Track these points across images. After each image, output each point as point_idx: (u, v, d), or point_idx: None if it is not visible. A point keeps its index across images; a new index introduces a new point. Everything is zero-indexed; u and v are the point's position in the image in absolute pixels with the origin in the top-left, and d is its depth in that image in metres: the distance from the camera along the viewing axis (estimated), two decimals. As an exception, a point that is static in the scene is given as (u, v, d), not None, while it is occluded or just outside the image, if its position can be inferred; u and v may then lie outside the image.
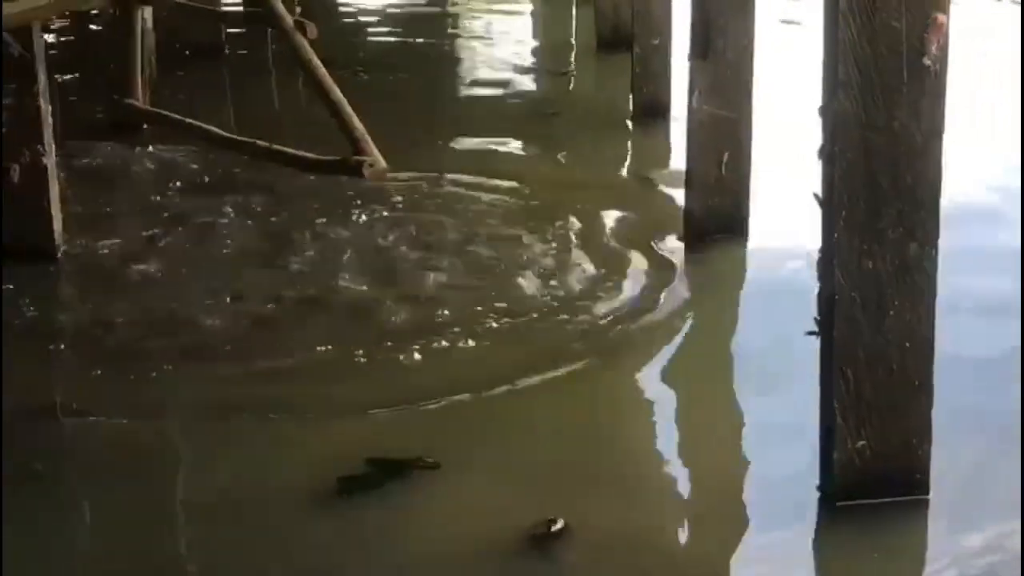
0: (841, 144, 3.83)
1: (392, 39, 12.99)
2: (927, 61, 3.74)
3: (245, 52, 11.00)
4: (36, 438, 4.84)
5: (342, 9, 14.14)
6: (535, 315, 5.85)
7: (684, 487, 4.61)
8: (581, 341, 5.61)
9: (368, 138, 5.65)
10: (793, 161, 6.74)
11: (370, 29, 13.29)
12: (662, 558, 4.04)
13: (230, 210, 7.11)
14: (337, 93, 5.78)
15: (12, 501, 4.11)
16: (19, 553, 3.89)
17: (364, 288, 6.05)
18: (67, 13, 9.74)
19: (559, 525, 4.02)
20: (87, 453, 4.87)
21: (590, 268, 6.37)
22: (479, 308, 5.79)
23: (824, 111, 3.90)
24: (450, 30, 13.23)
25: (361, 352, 5.35)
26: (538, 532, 4.00)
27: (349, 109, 5.74)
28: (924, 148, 3.82)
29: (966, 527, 4.09)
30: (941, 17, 3.74)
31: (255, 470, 4.57)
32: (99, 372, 5.33)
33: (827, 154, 3.91)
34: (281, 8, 6.15)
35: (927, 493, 4.09)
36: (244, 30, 11.05)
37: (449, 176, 7.79)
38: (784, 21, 11.16)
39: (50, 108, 6.33)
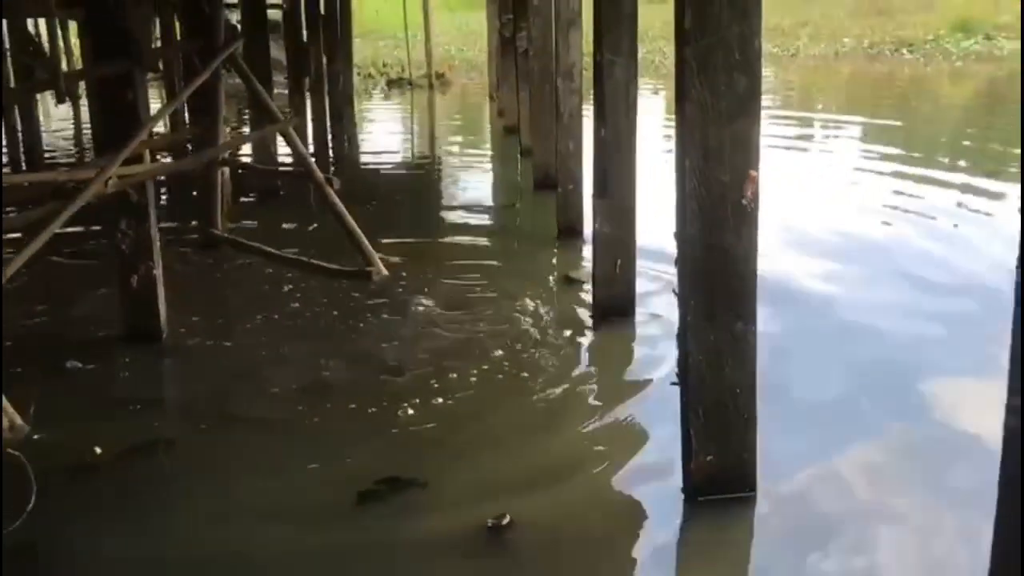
0: (689, 257, 3.94)
1: (396, 174, 13.09)
2: (744, 202, 3.87)
3: (293, 196, 11.08)
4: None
5: (363, 163, 14.27)
6: (495, 354, 5.93)
7: (593, 483, 4.58)
8: (530, 372, 5.71)
9: (374, 253, 5.72)
10: (662, 268, 6.92)
11: (381, 174, 13.43)
12: (577, 538, 4.07)
13: (286, 301, 7.19)
14: (351, 223, 5.87)
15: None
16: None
17: (385, 352, 6.10)
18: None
19: (507, 519, 4.06)
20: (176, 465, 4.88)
21: (534, 331, 6.44)
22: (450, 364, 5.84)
23: (678, 235, 3.99)
24: (434, 176, 13.35)
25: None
26: (492, 524, 4.04)
27: (360, 234, 5.82)
28: (744, 258, 3.92)
29: (777, 511, 4.16)
30: (753, 172, 3.85)
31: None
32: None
33: (681, 263, 4.02)
34: (315, 169, 6.26)
35: (754, 490, 4.17)
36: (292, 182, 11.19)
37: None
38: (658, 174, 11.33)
39: (158, 235, 6.38)
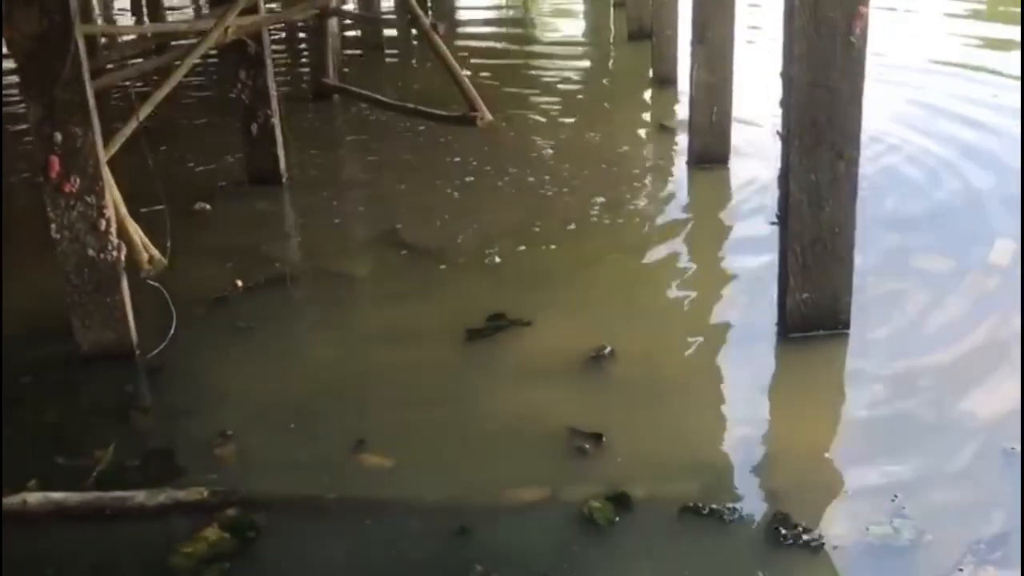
0: (795, 97, 3.73)
1: (492, 26, 12.76)
2: (853, 39, 3.63)
3: (397, 46, 10.89)
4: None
5: (459, 16, 13.92)
6: (595, 199, 5.81)
7: (689, 320, 4.52)
8: (626, 218, 5.59)
9: (479, 99, 5.58)
10: (759, 114, 6.62)
11: (480, 19, 13.09)
12: (674, 365, 4.04)
13: (397, 145, 7.13)
14: (456, 68, 5.72)
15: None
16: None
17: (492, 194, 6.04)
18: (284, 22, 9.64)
19: (608, 349, 4.04)
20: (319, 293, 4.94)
21: (631, 177, 6.28)
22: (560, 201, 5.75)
23: (784, 75, 3.79)
24: (528, 28, 12.94)
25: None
26: (594, 354, 4.03)
27: (465, 79, 5.67)
28: (850, 98, 3.71)
29: (868, 349, 4.03)
30: (863, 8, 3.61)
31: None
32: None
33: (785, 104, 3.82)
34: (422, 15, 6.07)
35: (848, 328, 4.05)
36: (396, 32, 10.98)
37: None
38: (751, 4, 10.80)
39: (274, 85, 6.32)
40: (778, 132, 3.89)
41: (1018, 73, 7.90)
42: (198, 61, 5.29)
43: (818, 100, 3.68)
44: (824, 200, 3.83)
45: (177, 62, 4.93)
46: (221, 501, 3.22)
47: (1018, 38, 9.03)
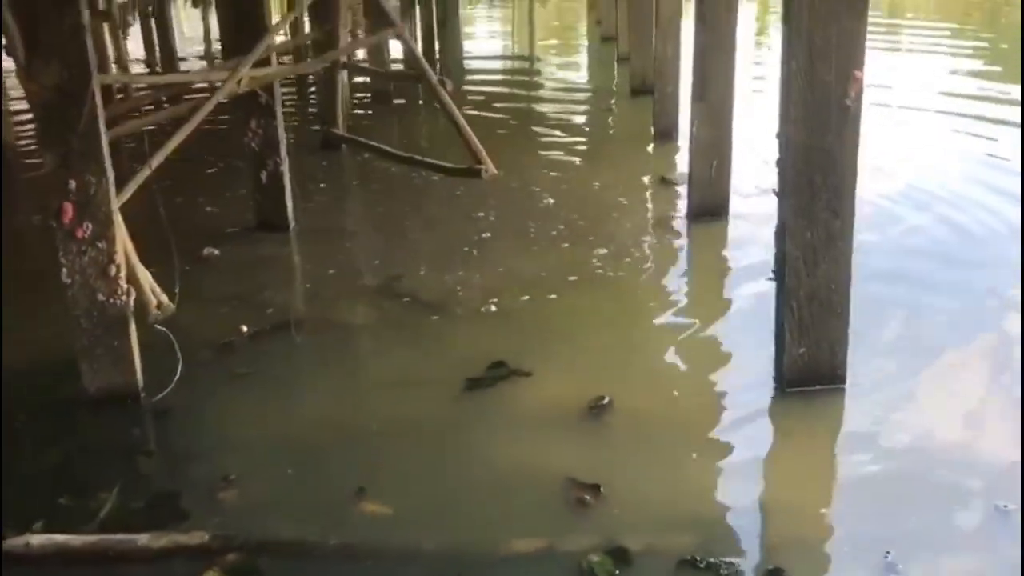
0: (790, 157, 3.80)
1: (498, 80, 12.93)
2: (848, 103, 3.69)
3: (405, 98, 11.02)
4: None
5: (467, 69, 14.09)
6: (597, 251, 5.85)
7: (687, 372, 4.55)
8: (626, 270, 5.64)
9: (483, 151, 5.64)
10: (758, 168, 6.69)
11: (487, 69, 13.25)
12: (673, 418, 4.05)
13: (402, 195, 7.21)
14: (462, 122, 5.79)
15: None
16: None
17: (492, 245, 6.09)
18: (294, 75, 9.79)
19: (607, 399, 4.06)
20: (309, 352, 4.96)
21: (632, 229, 6.34)
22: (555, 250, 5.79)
23: (780, 135, 3.85)
24: (534, 81, 13.08)
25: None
26: (593, 405, 4.04)
27: (471, 133, 5.74)
28: (844, 159, 3.77)
29: (864, 405, 4.05)
30: (859, 73, 3.68)
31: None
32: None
33: (781, 163, 3.88)
34: (429, 70, 6.17)
35: (844, 383, 4.07)
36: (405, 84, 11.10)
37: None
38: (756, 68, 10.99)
39: (284, 134, 6.41)
40: (774, 190, 3.95)
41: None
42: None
43: (813, 161, 3.74)
44: (820, 257, 3.88)
45: (190, 112, 5.01)
46: (223, 545, 3.23)
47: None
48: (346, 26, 7.75)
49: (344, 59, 8.24)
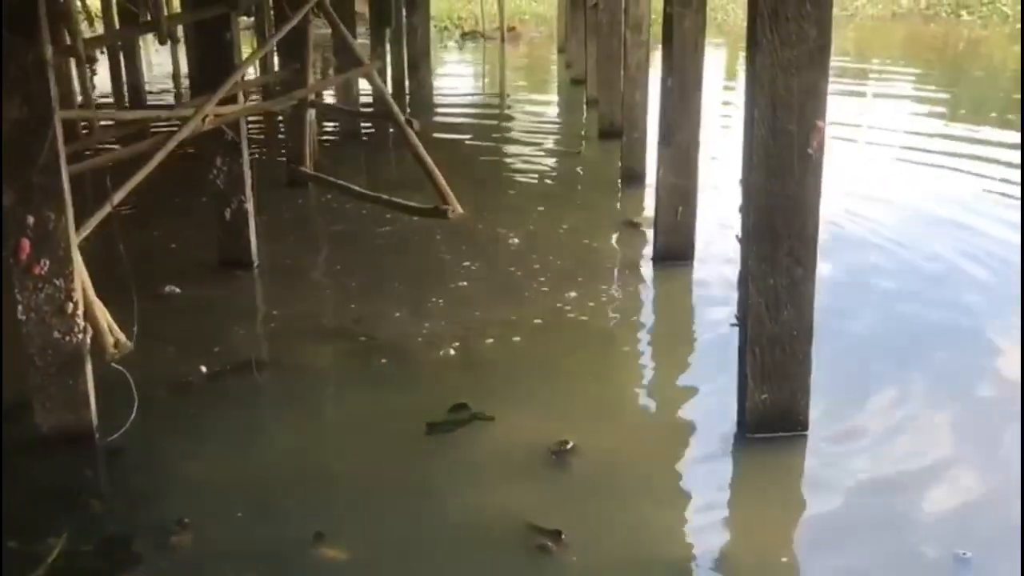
0: (753, 203, 3.84)
1: (468, 121, 12.97)
2: (810, 151, 3.75)
3: (373, 137, 11.04)
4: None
5: (437, 111, 14.15)
6: (563, 294, 5.86)
7: (651, 417, 4.57)
8: (592, 314, 5.63)
9: (450, 192, 5.65)
10: (724, 213, 6.75)
11: (456, 110, 13.31)
12: (636, 463, 4.03)
13: (368, 235, 7.20)
14: (430, 163, 5.80)
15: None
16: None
17: (456, 287, 6.07)
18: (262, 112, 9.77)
19: (570, 444, 4.05)
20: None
21: (597, 272, 6.36)
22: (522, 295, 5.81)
23: (743, 182, 3.89)
24: (504, 124, 13.16)
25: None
26: (556, 449, 4.03)
27: (438, 173, 5.75)
28: (806, 207, 3.81)
29: (826, 451, 4.07)
30: (820, 123, 3.74)
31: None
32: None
33: (744, 209, 3.92)
34: (397, 109, 6.19)
35: (806, 430, 4.09)
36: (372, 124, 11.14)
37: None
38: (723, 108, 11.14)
39: (250, 172, 6.39)
40: (737, 236, 3.98)
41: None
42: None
43: (775, 208, 3.79)
44: (782, 304, 3.91)
45: (153, 148, 4.99)
46: (174, 593, 3.16)
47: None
48: (315, 65, 7.75)
49: (312, 97, 8.25)
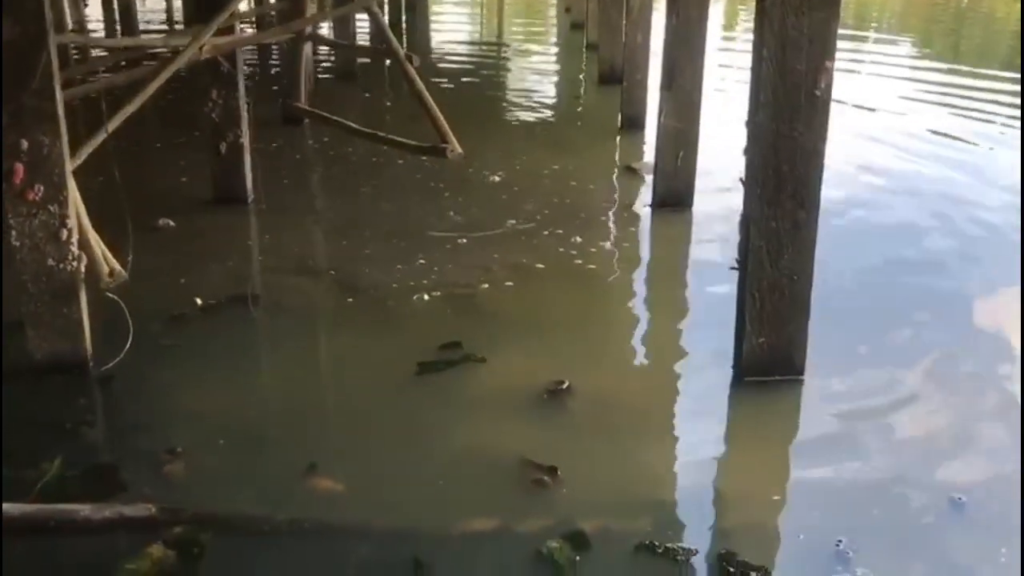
0: (758, 145, 3.80)
1: (464, 66, 12.81)
2: (818, 92, 3.71)
3: (368, 76, 10.90)
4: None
5: (434, 56, 13.97)
6: (559, 239, 5.84)
7: (647, 360, 4.57)
8: (587, 258, 5.60)
9: (449, 131, 5.59)
10: (725, 160, 6.70)
11: (450, 68, 13.14)
12: (631, 404, 4.04)
13: (364, 172, 7.12)
14: (430, 100, 5.72)
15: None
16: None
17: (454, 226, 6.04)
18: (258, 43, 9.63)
19: (565, 384, 4.05)
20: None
21: (595, 217, 6.33)
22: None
23: (749, 123, 3.86)
24: (503, 70, 13.02)
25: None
26: (552, 389, 4.03)
27: (437, 111, 5.68)
28: (813, 149, 3.78)
29: (822, 395, 4.08)
30: (829, 63, 3.69)
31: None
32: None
33: (749, 151, 3.88)
34: (398, 45, 6.09)
35: (803, 374, 4.09)
36: (371, 60, 10.97)
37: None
38: (721, 65, 11.04)
39: (246, 105, 6.31)
40: (741, 179, 3.95)
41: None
42: (171, 77, 5.27)
43: (781, 150, 3.75)
44: (784, 247, 3.89)
45: (149, 76, 4.91)
46: (168, 518, 3.16)
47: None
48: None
49: (309, 31, 8.12)
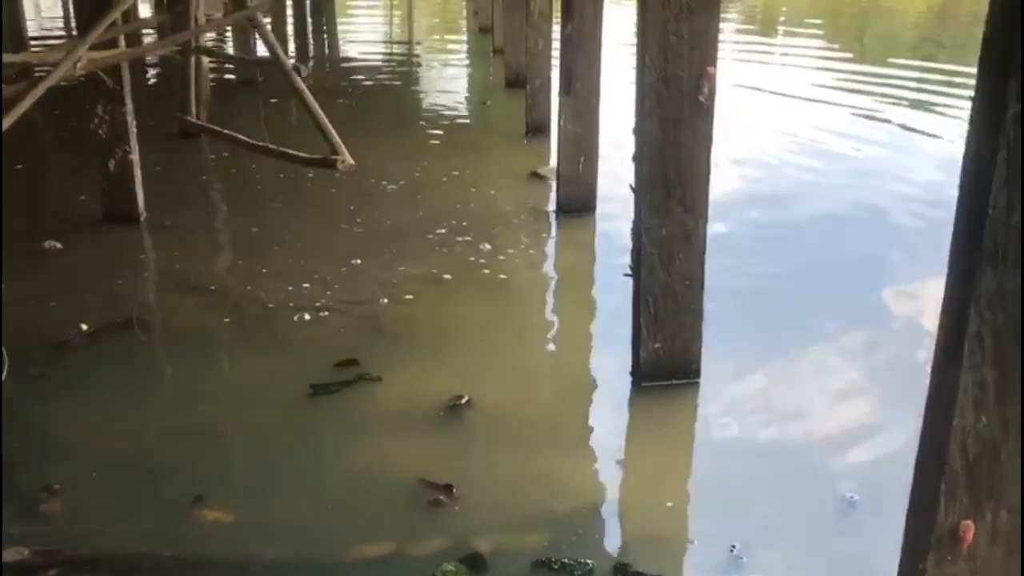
0: (645, 152, 3.81)
1: (373, 69, 12.67)
2: (701, 98, 3.72)
3: (270, 86, 10.70)
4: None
5: (341, 58, 13.80)
6: (461, 247, 5.79)
7: (546, 369, 4.56)
8: (491, 267, 5.56)
9: (340, 142, 5.48)
10: (626, 164, 6.73)
11: (357, 69, 12.98)
12: (530, 415, 4.01)
13: (258, 187, 6.96)
14: (319, 112, 5.60)
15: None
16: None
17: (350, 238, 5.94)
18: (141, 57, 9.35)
19: (465, 399, 4.01)
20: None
21: (498, 224, 6.28)
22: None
23: (636, 130, 3.86)
24: (411, 73, 12.93)
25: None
26: (451, 404, 3.98)
27: (327, 122, 5.56)
28: (698, 155, 3.80)
29: (718, 398, 4.12)
30: (711, 69, 3.71)
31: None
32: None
33: (637, 158, 3.89)
34: (283, 55, 5.97)
35: (698, 378, 4.12)
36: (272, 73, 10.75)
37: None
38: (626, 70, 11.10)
39: (134, 121, 6.12)
40: (631, 186, 3.96)
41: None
42: (58, 92, 5.07)
43: (667, 156, 3.76)
44: (675, 253, 3.91)
45: (23, 93, 4.71)
46: (43, 562, 3.03)
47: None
48: (199, 8, 7.43)
49: (195, 44, 7.91)
